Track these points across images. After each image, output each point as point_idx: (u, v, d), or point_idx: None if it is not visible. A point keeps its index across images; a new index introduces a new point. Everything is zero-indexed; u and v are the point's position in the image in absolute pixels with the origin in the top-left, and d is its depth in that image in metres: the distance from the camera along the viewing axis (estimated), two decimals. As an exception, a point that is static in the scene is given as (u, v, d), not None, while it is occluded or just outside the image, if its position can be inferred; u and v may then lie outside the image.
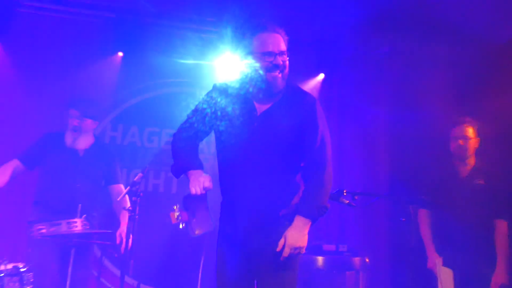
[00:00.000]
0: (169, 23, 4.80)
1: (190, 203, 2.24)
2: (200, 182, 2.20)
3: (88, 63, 4.61)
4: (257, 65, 2.25)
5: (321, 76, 5.05)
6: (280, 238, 2.23)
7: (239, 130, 2.29)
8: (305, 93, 2.37)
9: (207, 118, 2.37)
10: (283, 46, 2.28)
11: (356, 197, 2.94)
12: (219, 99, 2.37)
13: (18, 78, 4.44)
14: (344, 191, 2.94)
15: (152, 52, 4.73)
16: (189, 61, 4.80)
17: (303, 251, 2.23)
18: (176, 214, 2.28)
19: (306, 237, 2.24)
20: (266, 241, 2.24)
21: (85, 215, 3.29)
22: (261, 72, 2.24)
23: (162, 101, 4.88)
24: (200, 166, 2.30)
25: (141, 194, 3.40)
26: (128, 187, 3.43)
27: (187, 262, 4.30)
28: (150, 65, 4.78)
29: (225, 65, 4.74)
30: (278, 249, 2.20)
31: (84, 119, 3.53)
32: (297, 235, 2.20)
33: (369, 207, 3.91)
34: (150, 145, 4.83)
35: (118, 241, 3.49)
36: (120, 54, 4.73)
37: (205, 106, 2.38)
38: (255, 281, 2.30)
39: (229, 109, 2.33)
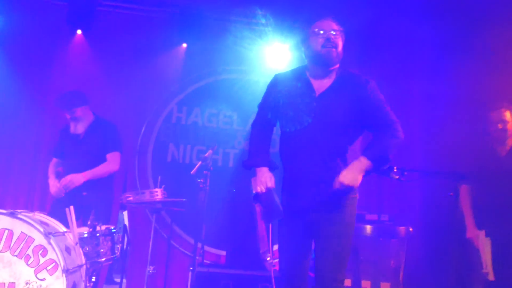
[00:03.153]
0: (225, 17, 4.73)
1: (260, 198, 2.26)
2: (262, 182, 2.21)
3: (158, 53, 4.62)
4: (312, 42, 2.23)
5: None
6: (339, 206, 2.19)
7: (300, 110, 2.24)
8: (360, 75, 2.29)
9: (273, 107, 2.33)
10: (335, 27, 2.23)
11: (405, 173, 2.86)
12: (279, 88, 2.32)
13: (99, 66, 4.51)
14: (395, 168, 2.86)
15: (211, 42, 4.70)
16: (243, 50, 4.75)
17: (356, 187, 2.15)
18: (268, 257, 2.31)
19: (359, 177, 2.14)
20: (327, 209, 2.19)
21: (163, 185, 3.36)
22: (316, 47, 2.21)
23: (220, 86, 4.86)
24: (266, 163, 2.27)
25: (211, 168, 3.44)
26: (200, 162, 3.47)
27: (244, 226, 4.33)
28: (210, 54, 4.75)
29: (274, 53, 4.70)
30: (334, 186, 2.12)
31: (72, 111, 3.47)
32: (349, 175, 2.11)
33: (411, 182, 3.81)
34: (210, 124, 4.84)
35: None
36: (184, 45, 4.71)
37: (269, 97, 2.35)
38: (313, 242, 2.27)
39: (290, 92, 2.28)
